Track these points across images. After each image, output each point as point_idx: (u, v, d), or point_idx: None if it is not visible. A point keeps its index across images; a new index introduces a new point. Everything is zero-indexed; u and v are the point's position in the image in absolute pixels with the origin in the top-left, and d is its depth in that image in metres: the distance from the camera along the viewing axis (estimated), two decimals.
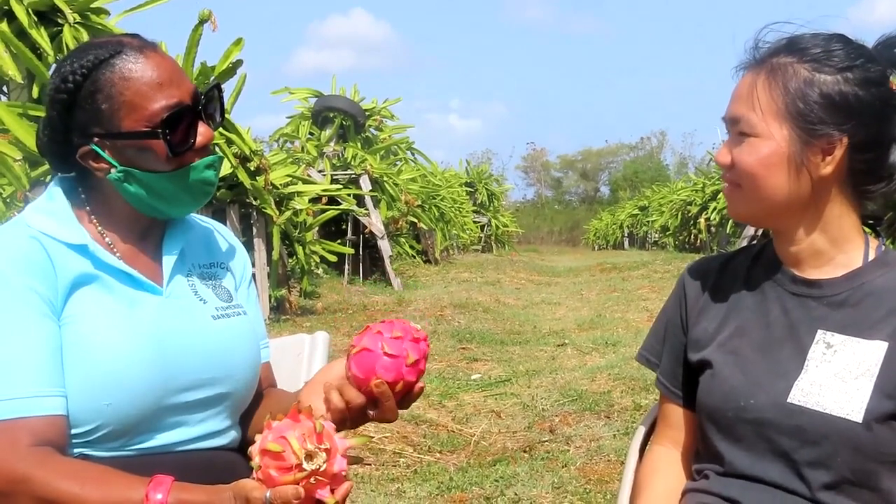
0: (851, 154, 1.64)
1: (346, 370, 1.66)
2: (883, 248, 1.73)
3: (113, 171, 1.71)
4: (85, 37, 6.56)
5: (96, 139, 1.70)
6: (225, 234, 1.99)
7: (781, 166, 1.65)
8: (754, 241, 1.88)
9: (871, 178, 1.68)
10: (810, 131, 1.63)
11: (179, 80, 1.73)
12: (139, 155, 1.70)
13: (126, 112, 1.68)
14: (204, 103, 1.76)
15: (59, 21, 6.73)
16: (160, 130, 1.68)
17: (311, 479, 1.41)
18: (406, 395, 1.67)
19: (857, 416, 1.58)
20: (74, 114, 1.70)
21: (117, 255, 1.74)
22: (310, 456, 1.42)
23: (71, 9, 6.71)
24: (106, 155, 1.70)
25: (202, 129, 1.75)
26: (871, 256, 1.71)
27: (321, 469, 1.42)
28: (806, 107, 1.62)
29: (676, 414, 1.89)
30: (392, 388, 1.62)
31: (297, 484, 1.40)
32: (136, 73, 1.68)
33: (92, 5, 6.93)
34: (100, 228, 1.76)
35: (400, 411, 1.67)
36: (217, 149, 7.95)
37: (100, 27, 6.83)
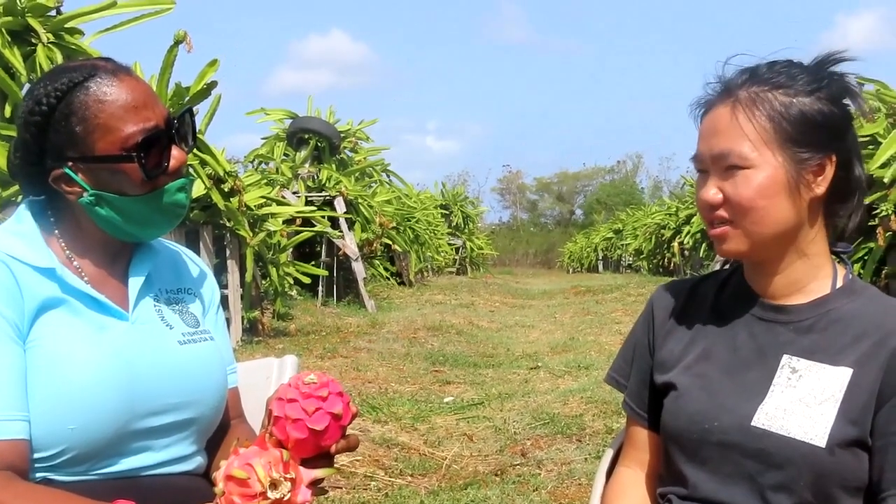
0: (836, 172, 1.67)
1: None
2: (850, 276, 1.75)
3: (85, 194, 1.71)
4: (59, 57, 6.53)
5: (70, 163, 1.70)
6: (193, 260, 1.99)
7: (782, 193, 1.65)
8: (727, 265, 1.87)
9: (842, 196, 1.71)
10: (802, 153, 1.64)
11: (153, 103, 1.73)
12: (112, 178, 1.70)
13: (100, 135, 1.68)
14: (177, 127, 1.77)
15: (33, 41, 6.70)
16: (135, 154, 1.68)
17: None
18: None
19: (821, 441, 1.59)
20: (48, 136, 1.70)
21: (85, 279, 1.74)
22: (274, 485, 1.41)
23: (45, 29, 6.68)
24: (78, 178, 1.70)
25: (175, 153, 1.75)
26: (839, 284, 1.72)
27: (285, 498, 1.42)
28: (794, 129, 1.63)
29: (642, 436, 1.90)
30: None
31: None
32: (110, 97, 1.68)
33: (66, 25, 6.91)
34: (68, 252, 1.76)
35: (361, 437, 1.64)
36: (191, 170, 7.95)
37: (74, 47, 6.81)
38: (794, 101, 1.65)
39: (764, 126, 1.64)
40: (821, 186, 1.66)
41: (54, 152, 1.71)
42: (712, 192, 1.68)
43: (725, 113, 1.68)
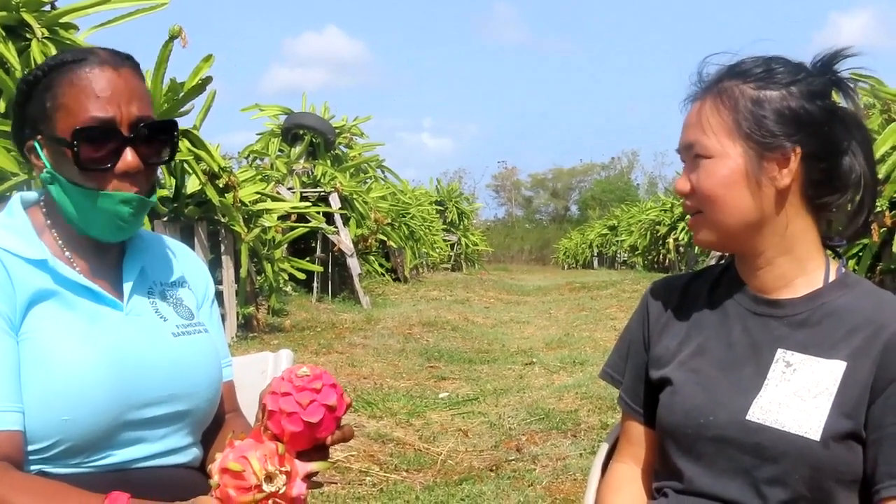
0: (807, 164, 1.68)
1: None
2: (843, 269, 1.75)
3: (44, 170, 1.72)
4: (53, 51, 6.51)
5: (39, 136, 1.72)
6: (188, 253, 1.99)
7: (741, 183, 1.67)
8: (721, 261, 1.89)
9: (829, 188, 1.71)
10: (763, 145, 1.66)
11: (126, 101, 1.70)
12: (63, 161, 1.70)
13: (62, 115, 1.68)
14: (146, 134, 1.72)
15: (28, 36, 6.69)
16: (70, 140, 1.67)
17: (270, 501, 1.41)
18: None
19: (815, 434, 1.59)
20: (28, 107, 1.73)
21: (77, 269, 1.74)
22: (270, 477, 1.41)
23: (39, 24, 6.67)
24: (42, 154, 1.72)
25: (129, 157, 1.70)
26: (832, 277, 1.73)
27: (280, 491, 1.42)
28: (756, 122, 1.66)
29: (638, 431, 1.91)
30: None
31: None
32: (82, 82, 1.68)
33: (61, 20, 6.90)
34: (60, 243, 1.76)
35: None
36: (185, 165, 7.93)
37: (68, 42, 6.80)
38: (761, 94, 1.67)
39: (727, 117, 1.68)
40: (786, 178, 1.67)
41: (30, 123, 1.73)
42: (682, 181, 1.74)
43: (697, 106, 1.73)
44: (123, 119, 1.69)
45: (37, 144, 1.72)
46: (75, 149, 1.67)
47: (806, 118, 1.67)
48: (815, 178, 1.69)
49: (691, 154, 1.72)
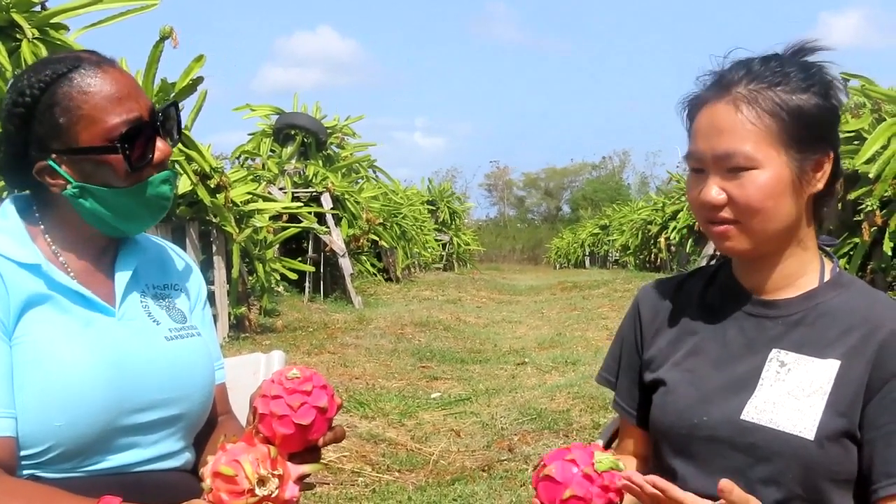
0: (832, 166, 1.68)
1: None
2: (837, 269, 1.75)
3: (69, 186, 1.70)
4: (44, 52, 6.49)
5: (54, 154, 1.69)
6: (180, 255, 1.98)
7: (787, 192, 1.64)
8: (713, 261, 1.87)
9: (831, 189, 1.72)
10: (805, 150, 1.64)
11: (137, 95, 1.73)
12: (96, 170, 1.70)
13: (84, 126, 1.67)
14: (162, 119, 1.76)
15: (18, 36, 6.66)
16: (119, 145, 1.68)
17: None
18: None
19: (810, 433, 1.59)
20: (32, 128, 1.69)
21: (71, 274, 1.73)
22: (262, 481, 1.41)
23: (30, 24, 6.64)
24: (62, 171, 1.70)
25: (160, 145, 1.74)
26: (827, 277, 1.73)
27: (273, 495, 1.41)
28: (797, 127, 1.63)
29: (634, 434, 1.91)
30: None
31: None
32: (94, 88, 1.68)
33: (51, 21, 6.88)
34: (54, 247, 1.75)
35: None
36: (177, 166, 7.92)
37: (59, 42, 6.77)
38: (795, 98, 1.63)
39: (768, 125, 1.62)
40: (820, 182, 1.67)
41: (38, 144, 1.70)
42: (714, 192, 1.65)
43: (726, 111, 1.65)
44: (143, 111, 1.72)
45: (52, 163, 1.70)
46: (127, 152, 1.69)
47: (832, 119, 1.68)
48: (829, 179, 1.70)
49: (726, 164, 1.64)
